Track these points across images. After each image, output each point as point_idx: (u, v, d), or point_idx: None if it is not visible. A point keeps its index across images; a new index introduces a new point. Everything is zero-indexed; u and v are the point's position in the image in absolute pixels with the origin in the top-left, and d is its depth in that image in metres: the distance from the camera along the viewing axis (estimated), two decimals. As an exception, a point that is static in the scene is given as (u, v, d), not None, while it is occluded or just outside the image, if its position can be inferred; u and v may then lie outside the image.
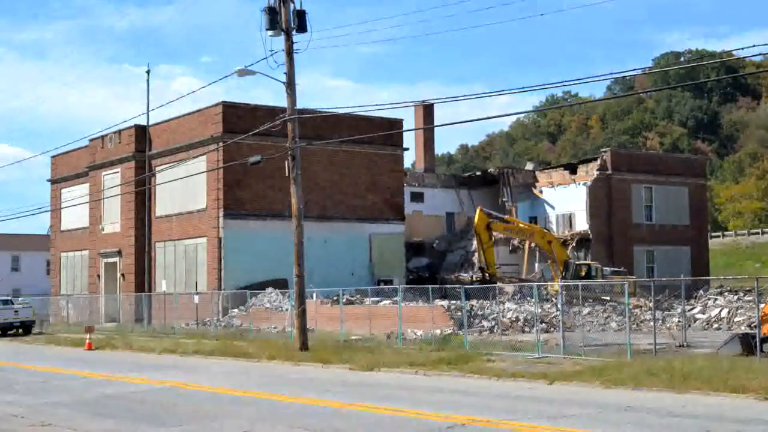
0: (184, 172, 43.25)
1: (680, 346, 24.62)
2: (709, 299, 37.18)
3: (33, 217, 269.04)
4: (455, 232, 58.88)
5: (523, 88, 21.04)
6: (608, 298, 37.45)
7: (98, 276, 52.23)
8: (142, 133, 48.99)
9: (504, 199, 57.00)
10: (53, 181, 59.52)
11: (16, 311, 45.40)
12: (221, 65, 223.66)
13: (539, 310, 31.23)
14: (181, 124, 46.61)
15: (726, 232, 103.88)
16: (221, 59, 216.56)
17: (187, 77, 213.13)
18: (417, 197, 57.49)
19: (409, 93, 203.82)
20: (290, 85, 26.91)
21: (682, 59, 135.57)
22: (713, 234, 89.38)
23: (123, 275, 49.43)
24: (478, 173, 63.75)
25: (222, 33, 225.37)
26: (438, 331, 30.96)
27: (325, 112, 41.69)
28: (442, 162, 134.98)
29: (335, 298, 36.16)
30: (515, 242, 54.53)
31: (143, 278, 48.07)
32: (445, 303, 34.21)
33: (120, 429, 14.12)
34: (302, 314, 26.93)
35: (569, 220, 55.35)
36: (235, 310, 40.47)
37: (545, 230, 48.91)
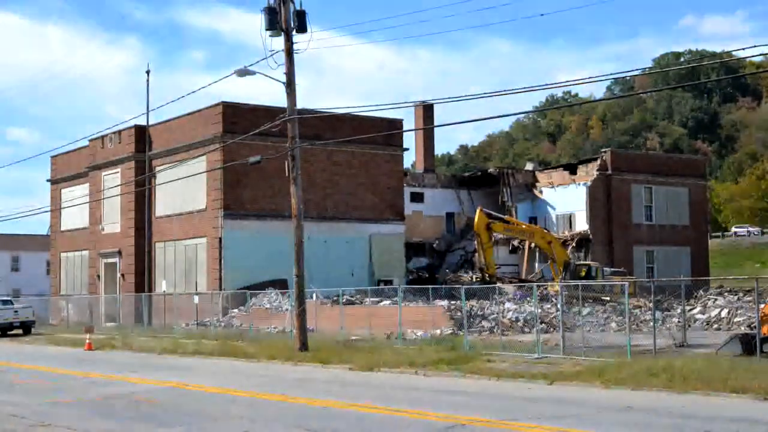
0: (184, 172, 43.25)
1: (680, 346, 24.62)
2: (709, 299, 37.18)
3: (33, 217, 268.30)
4: (455, 232, 58.89)
5: (524, 88, 21.04)
6: (608, 298, 37.46)
7: (98, 276, 52.23)
8: (141, 133, 49.00)
9: (504, 199, 57.01)
10: (53, 181, 59.52)
11: (16, 311, 45.41)
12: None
13: (539, 311, 31.22)
14: (181, 124, 46.61)
15: (726, 232, 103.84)
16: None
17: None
18: (417, 197, 57.48)
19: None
20: (290, 85, 26.91)
21: (682, 59, 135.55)
22: (713, 234, 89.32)
23: (123, 275, 49.43)
24: (478, 173, 63.73)
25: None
26: (438, 331, 30.99)
27: (325, 112, 41.71)
28: (442, 162, 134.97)
29: (335, 298, 36.17)
30: (515, 242, 54.53)
31: (143, 278, 48.07)
32: (445, 303, 34.22)
33: (120, 429, 14.11)
34: (302, 314, 26.93)
35: (569, 220, 55.35)
36: (235, 310, 40.46)
37: (545, 230, 48.89)
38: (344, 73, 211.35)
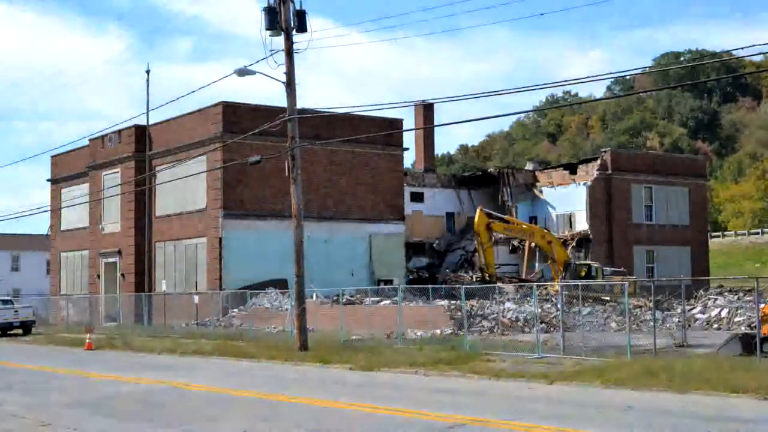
0: (184, 172, 43.25)
1: (680, 346, 24.61)
2: (709, 299, 37.18)
3: (33, 217, 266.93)
4: (455, 232, 58.90)
5: (524, 87, 21.03)
6: (608, 298, 37.46)
7: (98, 276, 52.23)
8: (142, 133, 49.01)
9: (504, 199, 57.03)
10: (53, 181, 59.54)
11: (16, 311, 45.40)
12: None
13: (539, 310, 31.22)
14: (181, 124, 46.61)
15: (726, 232, 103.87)
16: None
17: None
18: (417, 197, 57.48)
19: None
20: (290, 85, 26.91)
21: (682, 59, 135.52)
22: (713, 234, 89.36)
23: (123, 275, 49.43)
24: (478, 173, 63.76)
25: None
26: (438, 331, 30.98)
27: (325, 112, 41.69)
28: (442, 162, 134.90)
29: (335, 298, 36.15)
30: (515, 242, 54.55)
31: (143, 278, 48.06)
32: (445, 303, 34.21)
33: (119, 429, 14.12)
34: (302, 314, 26.93)
35: (569, 220, 55.36)
36: (235, 310, 40.45)
37: (545, 230, 48.92)
38: (342, 64, 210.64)
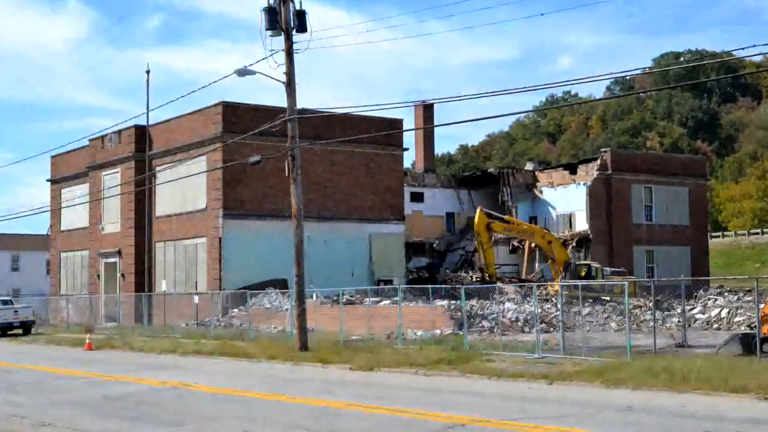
0: (184, 172, 43.27)
1: (680, 346, 24.62)
2: (709, 299, 37.18)
3: (33, 217, 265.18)
4: (455, 232, 58.93)
5: (524, 87, 21.06)
6: (608, 298, 37.47)
7: (98, 276, 52.24)
8: (141, 133, 49.02)
9: (504, 199, 57.06)
10: (53, 181, 59.57)
11: (16, 311, 45.39)
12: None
13: (539, 310, 31.22)
14: (181, 124, 46.63)
15: (726, 232, 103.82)
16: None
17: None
18: (417, 197, 57.52)
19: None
20: (290, 85, 26.91)
21: (682, 59, 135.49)
22: (713, 234, 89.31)
23: (123, 275, 49.44)
24: (478, 173, 63.80)
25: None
26: (438, 331, 30.99)
27: (325, 112, 41.71)
28: (442, 162, 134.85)
29: (335, 298, 36.16)
30: (515, 242, 54.56)
31: (143, 278, 48.07)
32: (445, 303, 34.21)
33: (120, 429, 14.12)
34: (302, 314, 26.93)
35: (569, 220, 55.39)
36: (235, 310, 40.47)
37: (545, 230, 48.93)
38: (341, 62, 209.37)
